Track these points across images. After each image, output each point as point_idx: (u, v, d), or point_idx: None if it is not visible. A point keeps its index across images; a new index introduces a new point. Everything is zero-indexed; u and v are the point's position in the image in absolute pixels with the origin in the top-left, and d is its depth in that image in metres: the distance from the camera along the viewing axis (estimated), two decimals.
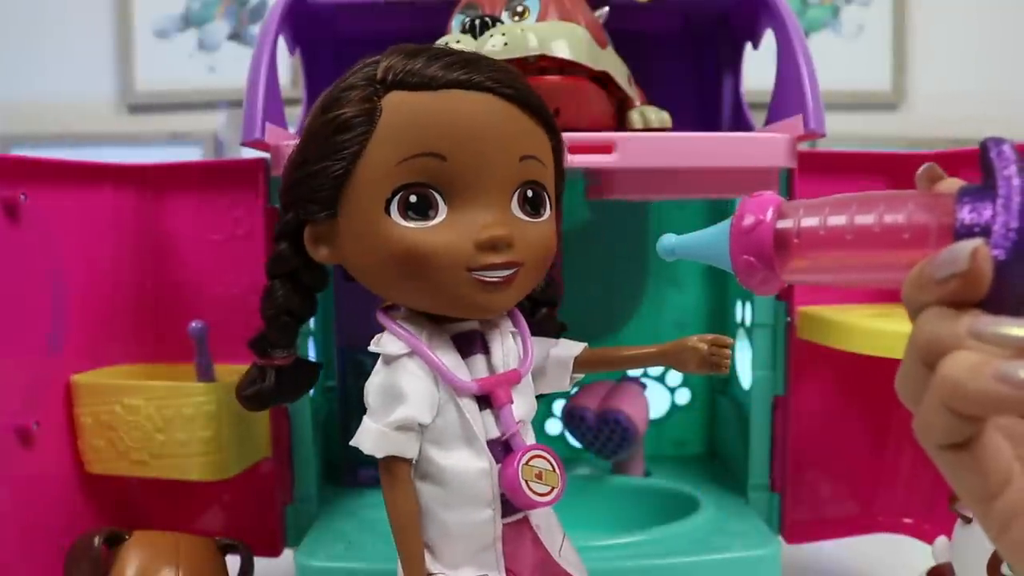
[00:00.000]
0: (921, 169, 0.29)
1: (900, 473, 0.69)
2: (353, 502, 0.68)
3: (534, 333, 0.44)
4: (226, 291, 0.63)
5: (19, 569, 0.55)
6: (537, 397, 0.44)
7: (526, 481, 0.40)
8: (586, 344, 0.46)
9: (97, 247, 0.62)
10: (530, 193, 0.40)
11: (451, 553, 0.41)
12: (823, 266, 0.29)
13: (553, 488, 0.40)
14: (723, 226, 0.32)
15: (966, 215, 0.25)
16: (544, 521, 0.44)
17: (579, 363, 0.46)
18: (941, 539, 0.54)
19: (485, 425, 0.41)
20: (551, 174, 0.42)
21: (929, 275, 0.25)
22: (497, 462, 0.41)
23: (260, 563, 0.59)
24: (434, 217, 0.38)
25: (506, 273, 0.39)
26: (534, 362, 0.43)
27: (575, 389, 0.76)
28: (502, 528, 0.41)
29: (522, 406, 0.42)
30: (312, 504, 0.66)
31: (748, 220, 0.31)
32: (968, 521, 0.51)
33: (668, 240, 0.36)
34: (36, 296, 0.57)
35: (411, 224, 0.38)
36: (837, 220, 0.29)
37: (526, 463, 0.40)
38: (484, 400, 0.41)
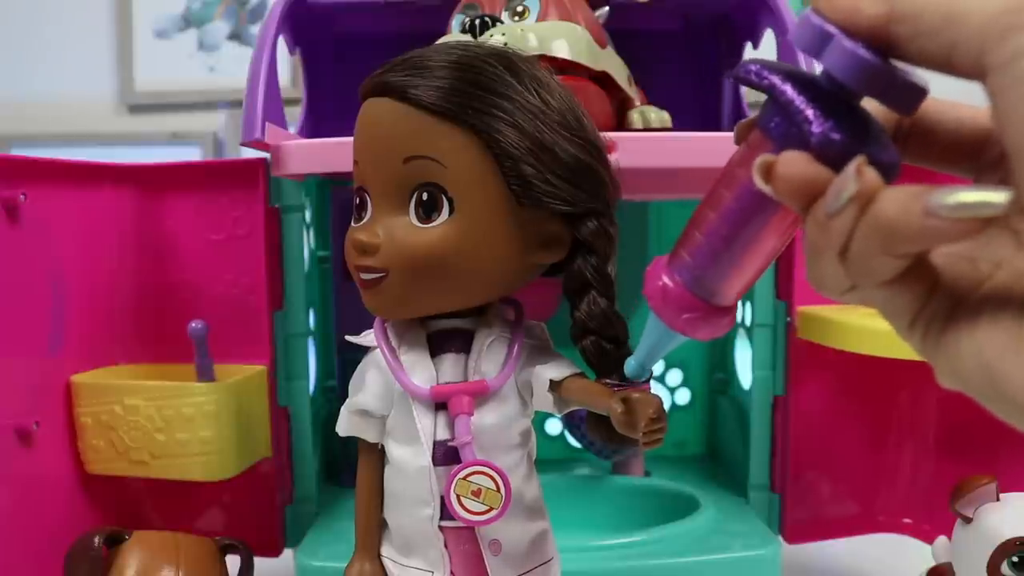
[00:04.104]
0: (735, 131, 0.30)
1: (900, 473, 0.69)
2: (353, 502, 0.68)
3: (588, 363, 0.41)
4: (226, 291, 0.64)
5: (19, 569, 0.55)
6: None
7: (458, 495, 0.39)
8: (576, 372, 0.41)
9: (97, 247, 0.62)
10: (424, 196, 0.38)
11: (402, 541, 0.43)
12: (730, 262, 0.30)
13: (491, 509, 0.39)
14: (651, 317, 0.34)
15: (774, 129, 0.26)
16: (510, 543, 0.41)
17: (565, 390, 0.41)
18: (941, 539, 0.54)
19: (437, 426, 0.41)
20: (464, 175, 0.38)
21: (823, 212, 0.24)
22: (439, 464, 0.40)
23: (260, 563, 0.59)
24: (364, 217, 0.40)
25: (371, 276, 0.39)
26: (531, 377, 0.41)
27: None
28: (443, 531, 0.41)
29: (491, 418, 0.41)
30: (312, 504, 0.66)
31: (654, 295, 0.32)
32: (968, 521, 0.51)
33: (629, 366, 0.38)
34: (36, 296, 0.57)
35: (353, 224, 0.41)
36: (702, 217, 0.30)
37: (464, 477, 0.39)
38: (442, 403, 0.41)
